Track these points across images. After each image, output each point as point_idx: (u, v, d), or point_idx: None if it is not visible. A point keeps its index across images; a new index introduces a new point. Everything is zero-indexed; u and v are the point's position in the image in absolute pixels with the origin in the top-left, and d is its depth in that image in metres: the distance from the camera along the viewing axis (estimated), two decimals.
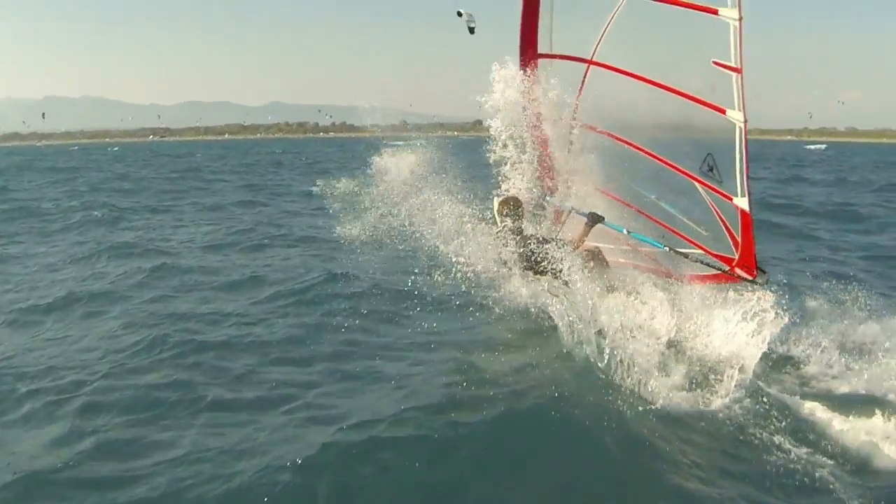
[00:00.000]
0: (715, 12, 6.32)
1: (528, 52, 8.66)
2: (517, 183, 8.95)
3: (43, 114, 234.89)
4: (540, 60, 8.68)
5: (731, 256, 7.52)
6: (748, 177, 6.78)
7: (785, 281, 8.49)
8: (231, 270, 12.49)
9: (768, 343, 6.93)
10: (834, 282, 9.11)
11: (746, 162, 6.70)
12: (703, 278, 8.15)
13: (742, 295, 7.45)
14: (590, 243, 8.64)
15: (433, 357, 7.69)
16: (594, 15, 7.93)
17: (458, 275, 8.09)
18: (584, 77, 8.36)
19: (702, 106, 6.86)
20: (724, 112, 6.63)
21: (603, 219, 8.36)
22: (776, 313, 7.01)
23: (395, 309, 9.32)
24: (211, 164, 59.70)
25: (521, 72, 8.66)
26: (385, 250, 10.13)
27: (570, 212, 8.87)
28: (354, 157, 47.81)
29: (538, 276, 8.21)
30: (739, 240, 7.29)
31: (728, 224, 7.34)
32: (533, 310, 7.86)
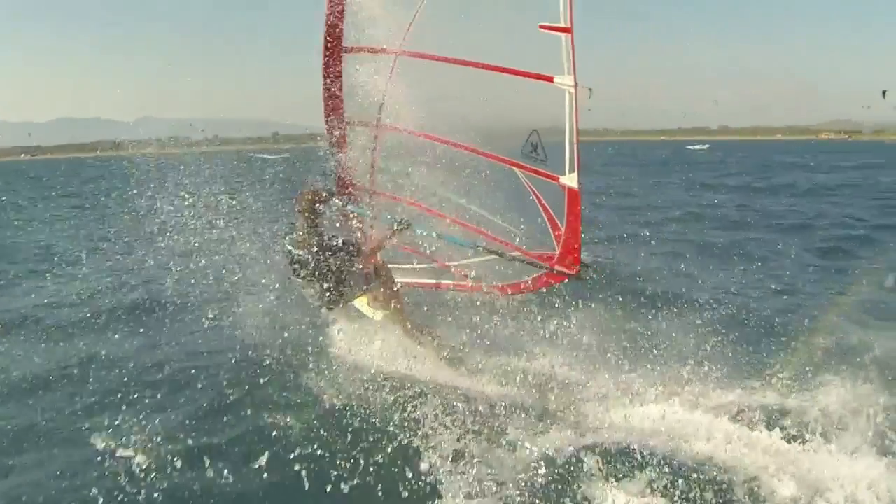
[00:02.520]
0: None
1: (331, 45, 7.85)
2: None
3: None
4: (346, 56, 7.89)
5: (552, 253, 6.96)
6: (578, 149, 6.33)
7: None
8: None
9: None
10: None
11: (577, 132, 6.27)
12: (519, 287, 7.51)
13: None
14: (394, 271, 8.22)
15: None
16: (403, 1, 7.39)
17: None
18: (392, 70, 7.67)
19: (526, 78, 6.42)
20: (551, 80, 6.20)
21: (410, 224, 7.57)
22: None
23: None
24: None
25: (324, 68, 7.84)
26: None
27: (373, 219, 7.92)
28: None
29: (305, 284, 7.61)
30: (563, 231, 6.77)
31: (553, 214, 6.82)
32: None
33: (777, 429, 6.38)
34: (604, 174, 41.52)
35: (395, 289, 8.10)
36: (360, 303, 8.12)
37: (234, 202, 9.26)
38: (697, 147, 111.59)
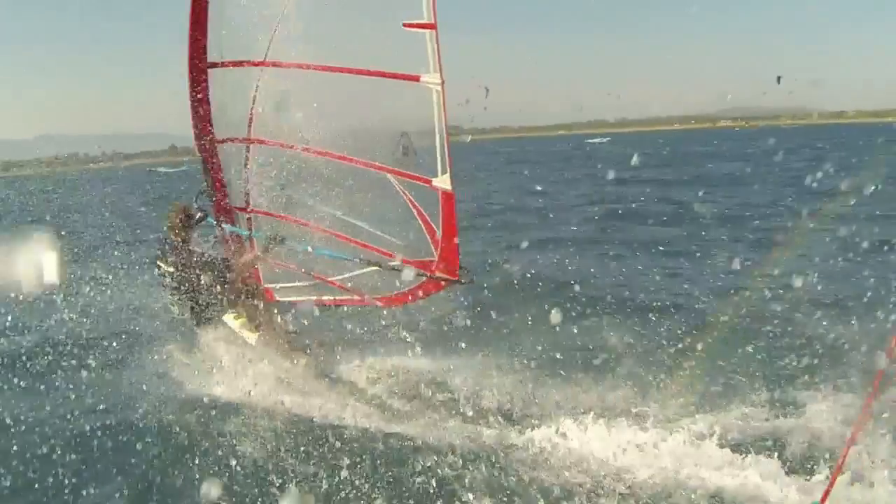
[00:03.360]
0: None
1: (196, 61, 7.53)
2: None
3: None
4: (212, 71, 7.57)
5: (431, 259, 6.76)
6: (449, 151, 6.20)
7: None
8: None
9: None
10: None
11: (447, 133, 6.14)
12: (401, 297, 7.28)
13: None
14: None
15: None
16: (267, 12, 7.18)
17: None
18: (258, 83, 7.40)
19: (393, 79, 6.29)
20: (417, 79, 6.09)
21: (283, 239, 7.34)
22: None
23: None
24: None
25: (191, 85, 7.50)
26: None
27: (248, 238, 7.61)
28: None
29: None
30: (440, 236, 6.60)
31: (428, 220, 6.65)
32: None
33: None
34: (506, 174, 41.04)
35: (269, 308, 7.81)
36: (234, 323, 7.70)
37: None
38: (598, 140, 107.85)
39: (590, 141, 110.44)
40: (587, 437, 6.37)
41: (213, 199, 7.87)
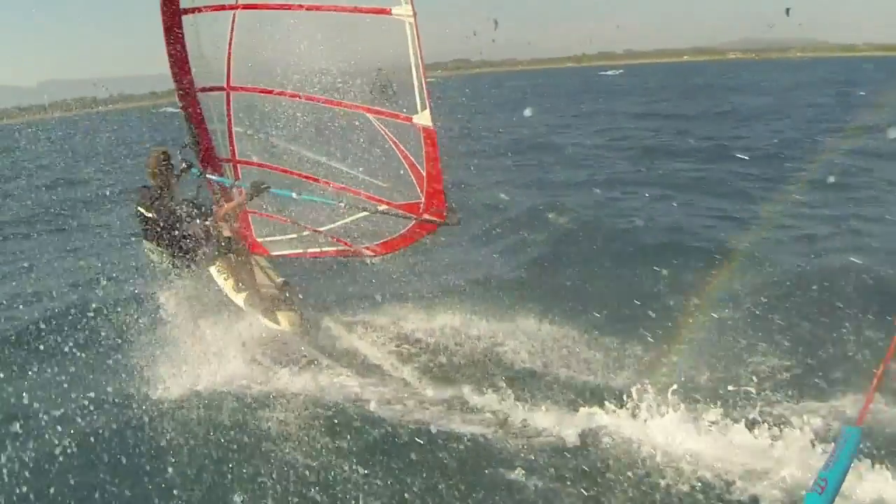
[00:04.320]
0: None
1: (170, 7, 7.24)
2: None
3: None
4: (185, 18, 7.29)
5: (418, 201, 6.54)
6: (426, 85, 5.90)
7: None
8: None
9: None
10: None
11: (423, 67, 5.82)
12: (392, 244, 7.10)
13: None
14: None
15: None
16: None
17: None
18: (232, 27, 7.12)
19: (363, 14, 5.98)
20: (388, 12, 5.77)
21: (268, 187, 7.16)
22: None
23: None
24: None
25: (165, 33, 7.24)
26: None
27: (233, 185, 7.53)
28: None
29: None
30: (425, 175, 6.36)
31: (413, 160, 6.40)
32: None
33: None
34: (531, 106, 39.82)
35: (248, 260, 7.82)
36: (223, 283, 7.64)
37: None
38: (611, 73, 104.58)
39: (602, 73, 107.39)
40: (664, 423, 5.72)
41: (198, 150, 7.68)
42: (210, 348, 7.27)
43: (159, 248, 7.06)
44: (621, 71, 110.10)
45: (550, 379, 6.77)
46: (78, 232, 14.89)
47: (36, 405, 6.32)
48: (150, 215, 6.96)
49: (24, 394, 6.50)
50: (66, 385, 6.78)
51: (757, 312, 7.63)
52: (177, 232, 6.94)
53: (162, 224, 6.93)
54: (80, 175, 24.89)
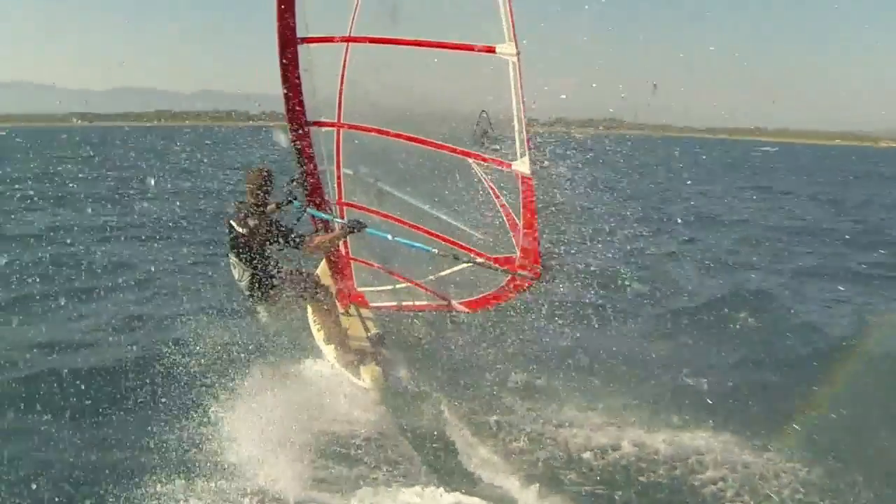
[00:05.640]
0: None
1: (286, 38, 7.19)
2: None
3: None
4: (301, 48, 7.21)
5: (512, 255, 6.01)
6: (527, 129, 5.40)
7: None
8: None
9: None
10: None
11: (523, 109, 5.35)
12: (484, 300, 6.61)
13: None
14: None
15: None
16: None
17: None
18: (345, 61, 6.97)
19: (469, 53, 5.59)
20: (493, 51, 5.34)
21: (365, 225, 6.91)
22: None
23: None
24: None
25: (282, 65, 7.21)
26: None
27: (332, 222, 7.44)
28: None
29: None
30: (521, 225, 5.83)
31: (510, 211, 5.91)
32: None
33: None
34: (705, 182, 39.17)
35: (335, 311, 7.75)
36: (311, 321, 7.54)
37: None
38: (767, 149, 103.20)
39: (759, 149, 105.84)
40: None
41: (305, 186, 7.51)
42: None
43: (242, 265, 6.92)
44: (777, 148, 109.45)
45: None
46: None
47: None
48: (239, 230, 6.84)
49: None
50: None
51: None
52: (264, 251, 6.84)
53: (248, 241, 6.82)
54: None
